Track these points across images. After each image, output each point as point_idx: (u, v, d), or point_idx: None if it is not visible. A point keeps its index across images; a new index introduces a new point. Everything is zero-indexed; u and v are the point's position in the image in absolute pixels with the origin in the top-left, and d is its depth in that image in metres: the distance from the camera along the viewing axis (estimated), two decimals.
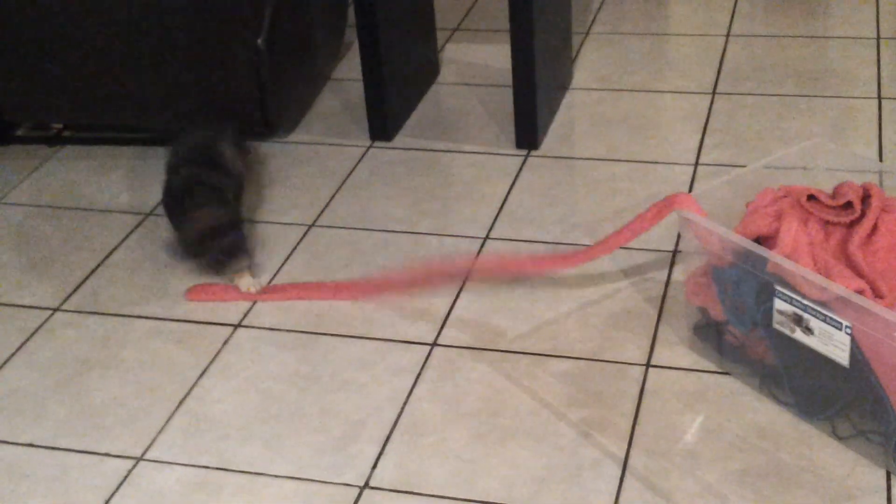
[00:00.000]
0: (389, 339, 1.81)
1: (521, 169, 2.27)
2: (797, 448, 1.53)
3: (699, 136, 2.33)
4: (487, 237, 2.05)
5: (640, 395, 1.65)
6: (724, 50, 2.69)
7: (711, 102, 2.46)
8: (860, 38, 2.69)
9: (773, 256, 1.52)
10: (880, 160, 2.18)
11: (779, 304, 1.53)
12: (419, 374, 1.73)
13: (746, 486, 1.48)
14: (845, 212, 1.60)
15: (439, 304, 1.88)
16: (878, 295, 1.49)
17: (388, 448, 1.59)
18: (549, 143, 2.35)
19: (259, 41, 2.27)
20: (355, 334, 1.83)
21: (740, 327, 1.62)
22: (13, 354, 1.84)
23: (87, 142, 2.49)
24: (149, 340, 1.85)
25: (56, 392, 1.75)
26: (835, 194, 1.64)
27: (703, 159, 2.25)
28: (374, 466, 1.56)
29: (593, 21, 2.90)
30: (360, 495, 1.51)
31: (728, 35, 2.76)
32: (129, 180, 2.34)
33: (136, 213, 2.21)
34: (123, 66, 2.34)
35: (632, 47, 2.75)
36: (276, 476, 1.56)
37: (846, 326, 1.45)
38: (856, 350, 1.45)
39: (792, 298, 1.50)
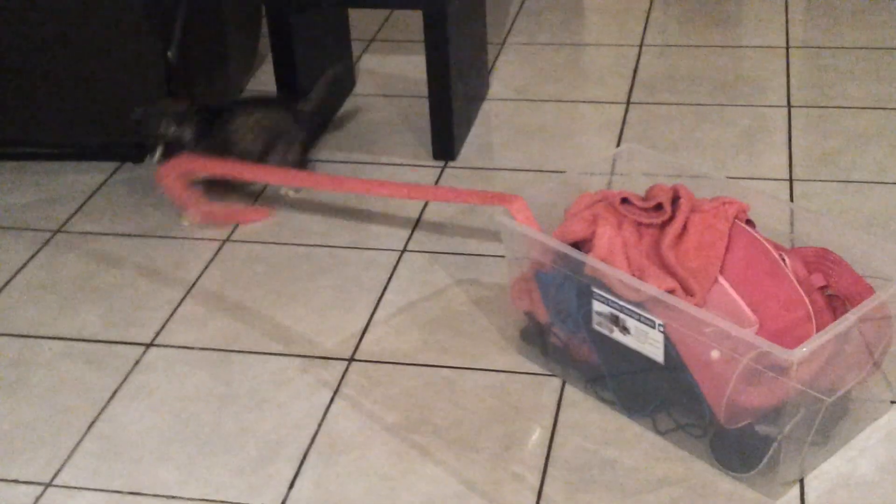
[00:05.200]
0: (306, 356, 1.79)
1: (438, 180, 2.26)
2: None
3: (615, 146, 2.34)
4: (405, 249, 2.04)
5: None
6: (638, 60, 2.72)
7: (626, 112, 2.48)
8: (770, 46, 2.74)
9: (589, 260, 1.56)
10: (790, 166, 2.22)
11: (597, 306, 1.58)
12: (336, 391, 1.71)
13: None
14: (657, 213, 1.64)
15: (356, 319, 1.86)
16: (688, 293, 1.53)
17: (305, 467, 1.57)
18: (467, 153, 2.35)
19: (169, 53, 2.23)
20: (271, 351, 1.80)
21: (564, 329, 1.66)
22: None
23: None
24: (59, 361, 1.80)
25: None
26: (647, 196, 1.68)
27: (618, 168, 2.26)
28: (291, 486, 1.54)
29: (509, 31, 2.91)
30: None
31: (642, 45, 2.79)
32: (35, 196, 2.28)
33: (44, 231, 2.16)
34: (30, 80, 2.28)
35: (548, 58, 2.76)
36: (190, 499, 1.52)
37: (659, 325, 1.50)
38: (669, 347, 1.50)
39: (608, 300, 1.55)
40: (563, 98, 2.56)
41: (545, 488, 1.51)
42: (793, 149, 2.29)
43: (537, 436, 1.60)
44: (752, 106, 2.47)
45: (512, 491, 1.50)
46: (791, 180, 2.18)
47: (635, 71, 2.66)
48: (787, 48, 2.72)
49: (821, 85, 2.54)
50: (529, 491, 1.50)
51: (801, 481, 1.50)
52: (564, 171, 2.25)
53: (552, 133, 2.42)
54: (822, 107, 2.45)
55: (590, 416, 1.62)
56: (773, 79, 2.58)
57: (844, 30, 2.80)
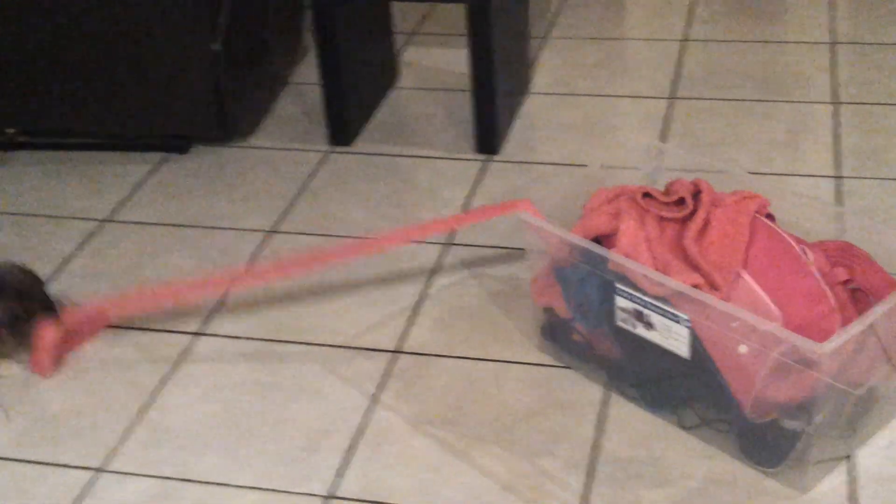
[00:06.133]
0: (351, 347, 1.80)
1: (480, 174, 2.27)
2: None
3: (658, 141, 2.34)
4: (449, 243, 2.05)
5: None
6: (681, 55, 2.71)
7: (669, 107, 2.47)
8: (815, 42, 2.72)
9: (613, 255, 1.56)
10: (836, 163, 2.20)
11: (620, 302, 1.57)
12: (380, 383, 1.72)
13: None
14: (678, 207, 1.63)
15: (401, 311, 1.87)
16: (713, 287, 1.53)
17: (350, 458, 1.58)
18: (509, 148, 2.35)
19: (215, 45, 2.25)
20: (316, 342, 1.82)
21: (586, 325, 1.65)
22: None
23: (42, 147, 2.46)
24: (108, 349, 1.83)
25: (14, 402, 1.72)
26: (667, 191, 1.67)
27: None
28: (338, 476, 1.55)
29: (551, 26, 2.91)
30: None
31: (685, 40, 2.78)
32: (84, 186, 2.30)
33: (92, 220, 2.18)
34: (79, 72, 2.31)
35: (590, 52, 2.76)
36: (238, 486, 1.54)
37: (684, 320, 1.49)
38: (695, 342, 1.50)
39: (632, 295, 1.55)
40: (606, 93, 2.56)
41: (590, 484, 1.51)
42: (839, 146, 2.28)
43: (582, 431, 1.60)
44: (797, 102, 2.46)
45: (556, 485, 1.51)
46: (837, 178, 2.17)
47: (678, 65, 2.65)
48: (833, 44, 2.70)
49: (867, 81, 2.52)
50: (574, 486, 1.51)
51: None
52: (615, 167, 2.25)
53: (595, 128, 2.41)
54: (869, 103, 2.43)
55: (636, 412, 1.62)
56: (818, 74, 2.57)
57: (890, 25, 2.77)
